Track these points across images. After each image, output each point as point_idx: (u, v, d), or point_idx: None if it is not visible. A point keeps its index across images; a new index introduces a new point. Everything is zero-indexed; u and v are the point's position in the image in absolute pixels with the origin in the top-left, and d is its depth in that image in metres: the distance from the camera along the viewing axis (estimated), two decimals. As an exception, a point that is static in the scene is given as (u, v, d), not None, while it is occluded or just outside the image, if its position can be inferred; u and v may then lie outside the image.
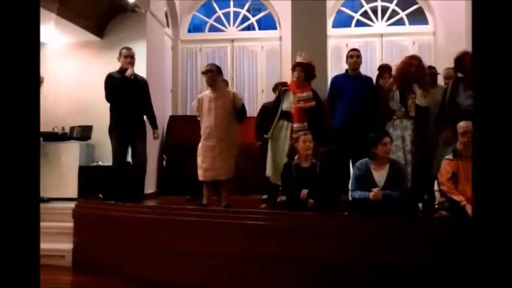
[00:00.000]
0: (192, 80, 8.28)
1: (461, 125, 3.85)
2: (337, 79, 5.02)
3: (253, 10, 8.55)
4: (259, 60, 8.15)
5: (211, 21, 8.45)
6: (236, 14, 8.38)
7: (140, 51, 5.58)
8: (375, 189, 3.64)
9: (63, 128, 6.56)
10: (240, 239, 3.70)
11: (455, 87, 4.34)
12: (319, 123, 4.55)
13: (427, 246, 3.25)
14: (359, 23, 8.08)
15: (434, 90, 4.71)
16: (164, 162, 7.19)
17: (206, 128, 4.57)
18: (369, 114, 4.64)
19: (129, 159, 5.11)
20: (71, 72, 6.79)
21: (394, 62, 4.71)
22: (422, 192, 4.50)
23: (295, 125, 4.56)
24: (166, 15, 7.76)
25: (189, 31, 8.60)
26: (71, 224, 4.82)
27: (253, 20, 8.39)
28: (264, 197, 5.00)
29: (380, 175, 3.80)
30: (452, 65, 4.61)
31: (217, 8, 8.40)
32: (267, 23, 8.47)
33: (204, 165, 4.53)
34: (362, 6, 8.06)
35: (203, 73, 4.75)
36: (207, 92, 4.69)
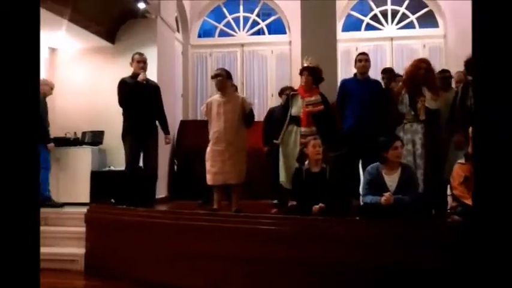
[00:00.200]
0: (202, 84, 8.33)
1: None
2: (346, 83, 5.01)
3: (263, 15, 8.58)
4: (269, 64, 8.17)
5: (221, 26, 8.49)
6: (246, 19, 8.41)
7: (151, 56, 5.63)
8: (387, 194, 3.62)
9: (75, 133, 6.62)
10: (250, 243, 3.70)
11: (466, 91, 4.31)
12: (328, 127, 4.55)
13: (439, 250, 3.22)
14: (369, 27, 8.07)
15: (448, 93, 4.69)
16: (175, 167, 7.22)
17: (215, 133, 4.58)
18: (378, 118, 4.64)
19: (141, 163, 5.14)
20: (83, 77, 6.85)
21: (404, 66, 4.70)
22: (434, 197, 4.46)
23: (303, 129, 4.57)
24: (176, 21, 7.81)
25: (199, 36, 8.65)
26: (83, 229, 4.85)
27: (263, 24, 8.42)
28: (275, 201, 5.00)
29: (391, 179, 3.78)
30: (463, 68, 4.59)
31: (227, 13, 8.44)
32: (277, 28, 8.50)
33: (213, 169, 4.53)
34: (372, 9, 8.05)
35: (212, 77, 4.77)
36: (216, 97, 4.71)
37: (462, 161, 3.82)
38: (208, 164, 4.57)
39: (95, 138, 6.51)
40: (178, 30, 7.98)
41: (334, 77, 5.63)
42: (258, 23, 8.43)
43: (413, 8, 7.90)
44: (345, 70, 7.38)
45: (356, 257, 3.39)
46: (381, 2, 8.01)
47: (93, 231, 4.79)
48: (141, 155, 5.06)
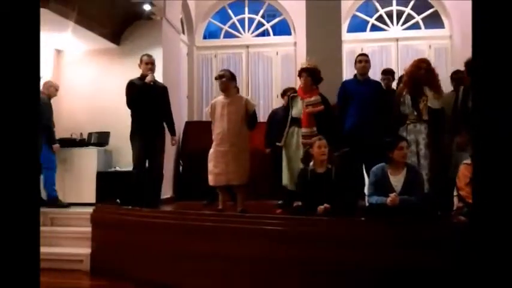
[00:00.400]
0: (207, 86, 8.35)
1: None
2: (346, 84, 5.01)
3: (268, 16, 8.59)
4: (274, 65, 8.18)
5: (226, 27, 8.51)
6: (251, 20, 8.42)
7: (156, 57, 5.64)
8: (392, 195, 3.61)
9: (81, 134, 6.66)
10: (256, 244, 3.70)
11: (467, 92, 4.32)
12: (329, 127, 4.56)
13: (445, 251, 3.21)
14: (374, 28, 8.05)
15: (450, 93, 4.68)
16: (180, 168, 7.23)
17: (218, 134, 4.59)
18: (379, 118, 4.65)
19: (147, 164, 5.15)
20: (89, 79, 6.88)
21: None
22: (440, 197, 4.45)
23: (304, 130, 4.59)
24: (181, 22, 7.83)
25: (205, 37, 8.66)
26: (89, 229, 4.88)
27: (268, 26, 8.43)
28: (280, 202, 5.00)
29: (397, 180, 3.77)
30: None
31: (232, 15, 8.45)
32: (282, 29, 8.50)
33: (216, 170, 4.54)
34: (377, 10, 8.04)
35: (216, 79, 4.79)
36: (220, 98, 4.72)
37: (468, 161, 3.80)
38: (211, 165, 4.57)
39: (101, 139, 6.54)
40: (183, 32, 8.00)
41: (339, 78, 5.62)
42: (263, 24, 8.44)
43: (418, 8, 7.87)
44: (350, 71, 7.33)
45: (362, 257, 3.39)
46: (386, 3, 7.99)
47: (99, 231, 4.81)
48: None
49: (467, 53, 4.94)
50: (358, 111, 4.72)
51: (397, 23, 7.94)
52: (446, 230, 3.40)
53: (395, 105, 4.42)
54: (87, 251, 4.78)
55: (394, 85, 5.65)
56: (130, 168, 5.34)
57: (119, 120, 6.18)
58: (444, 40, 7.74)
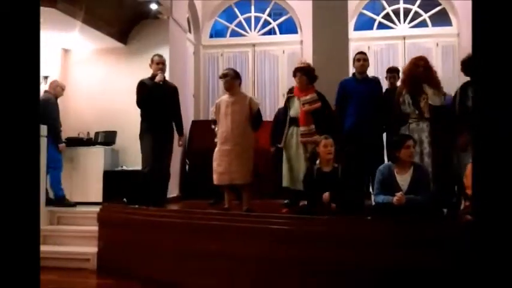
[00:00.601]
0: (213, 85, 8.35)
1: None
2: (344, 83, 4.99)
3: (274, 15, 8.58)
4: (281, 64, 8.16)
5: (232, 26, 8.51)
6: (257, 19, 8.41)
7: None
8: (399, 194, 3.59)
9: (88, 133, 6.69)
10: (261, 243, 3.70)
11: (464, 91, 4.28)
12: (328, 124, 4.55)
13: (452, 250, 3.19)
14: (381, 26, 8.02)
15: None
16: (187, 167, 7.25)
17: (222, 133, 4.59)
18: (378, 117, 4.63)
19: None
20: (96, 78, 6.91)
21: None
22: (444, 195, 4.43)
23: (302, 129, 4.60)
24: (188, 21, 7.84)
25: (211, 36, 8.67)
26: (95, 228, 4.90)
27: (274, 24, 8.42)
28: (286, 201, 4.99)
29: (403, 179, 3.75)
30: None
31: (238, 13, 8.45)
32: (288, 27, 8.49)
33: (219, 169, 4.54)
34: (384, 8, 7.99)
35: (220, 77, 4.79)
36: (225, 97, 4.71)
37: (476, 160, 3.77)
38: (215, 164, 4.57)
39: (108, 138, 6.57)
40: (190, 31, 8.01)
41: (345, 76, 5.58)
42: (270, 23, 8.43)
43: (426, 6, 7.82)
44: (357, 69, 7.34)
45: (368, 256, 3.37)
46: (393, 1, 7.95)
47: (106, 230, 4.83)
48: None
49: (475, 51, 4.93)
50: (357, 110, 4.71)
51: (404, 21, 7.90)
52: (451, 230, 3.37)
53: (396, 105, 4.40)
54: (93, 250, 4.80)
55: (399, 83, 5.62)
56: (137, 167, 5.36)
57: (126, 119, 6.21)
58: (452, 38, 7.68)
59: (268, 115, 7.46)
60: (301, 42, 7.97)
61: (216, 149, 4.62)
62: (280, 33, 8.48)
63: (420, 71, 4.32)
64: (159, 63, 5.10)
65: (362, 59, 4.92)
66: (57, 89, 5.99)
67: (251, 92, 8.00)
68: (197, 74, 8.34)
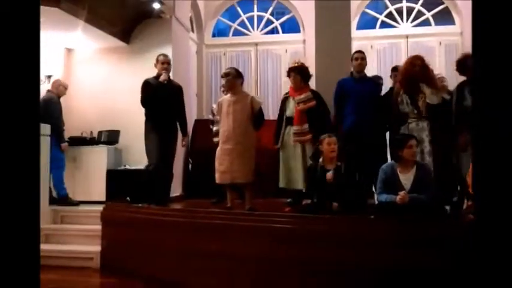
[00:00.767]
0: (216, 84, 8.34)
1: None
2: (342, 82, 4.98)
3: (277, 14, 8.56)
4: (283, 63, 8.14)
5: (235, 25, 8.51)
6: (260, 18, 8.41)
7: (166, 56, 5.67)
8: (402, 193, 3.59)
9: (91, 132, 6.71)
10: (264, 242, 3.69)
11: (461, 91, 4.28)
12: (322, 122, 4.56)
13: (453, 250, 3.18)
14: (384, 25, 8.00)
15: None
16: (190, 166, 7.25)
17: (224, 132, 4.58)
18: (376, 116, 4.64)
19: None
20: (99, 77, 6.93)
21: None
22: (446, 193, 4.42)
23: (295, 128, 4.63)
24: (191, 20, 7.85)
25: (214, 35, 8.67)
26: (99, 227, 4.91)
27: (277, 23, 8.42)
28: (288, 200, 4.99)
29: (406, 178, 3.75)
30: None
31: (241, 12, 8.45)
32: (291, 26, 8.48)
33: (221, 168, 4.54)
34: (387, 7, 7.98)
35: (222, 76, 4.80)
36: (227, 96, 4.72)
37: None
38: (217, 163, 4.57)
39: (111, 137, 6.58)
40: (192, 30, 8.02)
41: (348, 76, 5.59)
42: (272, 22, 8.42)
43: (429, 5, 7.80)
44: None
45: (371, 255, 3.36)
46: (396, 0, 7.94)
47: (109, 229, 4.84)
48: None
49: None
50: (355, 110, 4.72)
51: (407, 19, 7.88)
52: (453, 229, 3.36)
53: (394, 105, 4.40)
54: (97, 248, 4.81)
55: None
56: (140, 166, 5.36)
57: (129, 118, 6.23)
58: (455, 37, 7.67)
59: (270, 114, 7.47)
60: (304, 41, 7.97)
61: (218, 148, 4.62)
62: (283, 32, 8.47)
63: (417, 70, 4.31)
64: (164, 63, 5.10)
65: (360, 57, 4.92)
66: (60, 88, 6.01)
67: (254, 91, 8.01)
68: (200, 73, 8.35)
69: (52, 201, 5.64)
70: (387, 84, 5.87)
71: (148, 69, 5.26)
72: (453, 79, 4.68)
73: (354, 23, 7.70)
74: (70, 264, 4.74)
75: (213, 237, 3.93)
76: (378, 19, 8.02)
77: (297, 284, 3.57)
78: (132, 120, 5.78)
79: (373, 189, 4.43)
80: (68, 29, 6.10)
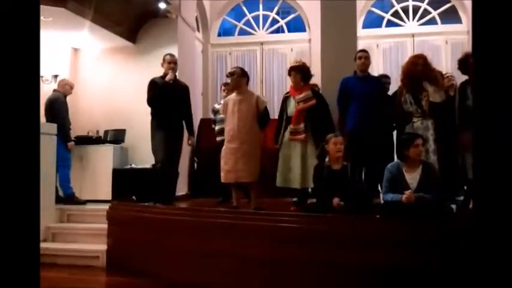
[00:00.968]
0: (222, 83, 8.35)
1: None
2: (346, 81, 4.97)
3: (283, 13, 8.56)
4: (289, 62, 8.11)
5: (240, 24, 8.51)
6: (265, 17, 8.41)
7: (172, 55, 5.69)
8: (408, 192, 3.57)
9: (97, 131, 6.74)
10: (270, 241, 3.69)
11: (463, 91, 4.26)
12: (323, 121, 4.55)
13: (455, 250, 3.16)
14: (390, 23, 7.97)
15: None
16: (195, 165, 7.27)
17: (229, 131, 4.59)
18: (380, 115, 4.62)
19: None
20: (105, 76, 6.96)
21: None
22: (453, 192, 4.41)
23: (292, 127, 4.61)
24: (196, 20, 7.86)
25: (219, 35, 8.68)
26: (105, 226, 4.93)
27: (282, 22, 8.41)
28: (294, 199, 4.99)
29: (412, 177, 3.73)
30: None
31: (246, 12, 8.45)
32: (297, 25, 8.48)
33: (226, 167, 4.55)
34: (393, 6, 7.95)
35: (228, 76, 4.81)
36: (233, 95, 4.72)
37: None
38: (222, 162, 4.58)
39: (117, 136, 6.61)
40: (198, 30, 8.03)
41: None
42: (278, 21, 8.42)
43: (435, 3, 7.77)
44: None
45: (377, 255, 3.35)
46: (402, -2, 7.92)
47: (115, 228, 4.86)
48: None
49: (485, 49, 4.89)
50: (359, 109, 4.70)
51: (413, 18, 7.85)
52: (454, 229, 3.35)
53: (398, 105, 4.38)
54: (103, 247, 4.83)
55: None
56: (146, 165, 5.38)
57: (135, 117, 6.26)
58: (461, 35, 7.62)
59: (276, 113, 7.43)
60: (310, 40, 7.96)
61: (224, 147, 4.63)
62: (289, 31, 8.46)
63: (419, 69, 4.29)
64: (171, 63, 5.12)
65: (363, 56, 4.90)
66: (66, 88, 6.04)
67: (259, 90, 8.01)
68: (205, 73, 8.36)
69: (58, 200, 5.67)
70: (395, 84, 5.84)
71: (154, 69, 5.28)
72: (461, 78, 4.66)
73: (360, 22, 7.68)
74: (76, 262, 4.76)
75: (219, 237, 3.93)
76: (383, 18, 7.99)
77: (303, 283, 3.57)
78: (138, 119, 5.81)
79: (379, 188, 4.42)
80: (74, 29, 6.13)
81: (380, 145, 4.63)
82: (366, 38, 7.71)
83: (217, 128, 5.80)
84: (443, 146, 4.21)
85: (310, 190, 4.72)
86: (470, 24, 7.44)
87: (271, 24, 8.40)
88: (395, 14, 7.92)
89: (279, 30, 8.50)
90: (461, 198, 4.53)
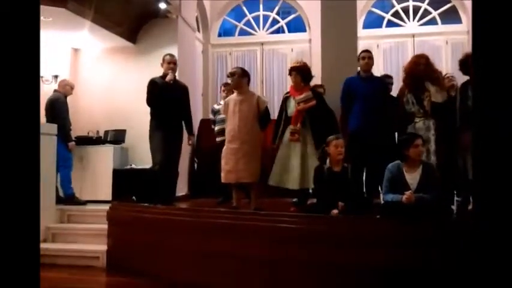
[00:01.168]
0: (222, 83, 8.35)
1: None
2: (349, 81, 4.96)
3: (283, 13, 8.57)
4: (289, 62, 8.12)
5: (241, 25, 8.51)
6: (266, 18, 8.41)
7: (172, 56, 5.70)
8: (408, 192, 3.57)
9: (97, 132, 6.74)
10: (270, 242, 3.69)
11: (465, 91, 4.26)
12: (323, 122, 4.55)
13: (455, 250, 3.16)
14: (390, 24, 7.98)
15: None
16: (195, 165, 7.27)
17: (230, 131, 4.59)
18: (383, 116, 4.62)
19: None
20: (105, 77, 6.96)
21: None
22: (453, 192, 4.41)
23: (291, 127, 4.60)
24: (196, 20, 7.86)
25: (219, 35, 8.69)
26: (105, 226, 4.92)
27: (282, 23, 8.42)
28: (294, 200, 4.98)
29: (412, 178, 3.73)
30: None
31: (247, 12, 8.46)
32: (297, 26, 8.48)
33: (226, 167, 4.54)
34: (393, 6, 7.96)
35: (228, 76, 4.81)
36: (233, 96, 4.73)
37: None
38: (223, 162, 4.58)
39: (117, 136, 6.61)
40: (198, 30, 8.03)
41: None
42: (278, 22, 8.43)
43: (435, 3, 7.77)
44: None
45: (377, 255, 3.35)
46: (402, -2, 7.92)
47: (115, 228, 4.86)
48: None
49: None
50: (362, 109, 4.70)
51: (414, 18, 7.85)
52: (453, 229, 3.35)
53: (400, 105, 4.38)
54: (103, 247, 4.83)
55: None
56: (146, 165, 5.38)
57: (135, 118, 6.26)
58: (461, 35, 7.62)
59: (276, 114, 7.43)
60: (310, 40, 7.96)
61: (224, 147, 4.63)
62: (289, 31, 8.47)
63: (421, 69, 4.30)
64: (171, 63, 5.12)
65: (367, 57, 4.90)
66: (67, 88, 6.04)
67: (259, 90, 8.01)
68: (206, 73, 8.36)
69: (59, 200, 5.67)
70: (397, 84, 5.84)
71: (154, 69, 5.28)
72: (461, 78, 4.66)
73: (360, 22, 7.68)
74: (76, 263, 4.76)
75: (219, 237, 3.93)
76: (384, 18, 7.99)
77: (303, 284, 3.57)
78: (138, 119, 5.80)
79: (379, 189, 4.41)
80: (74, 29, 6.13)
81: (383, 146, 4.63)
82: (366, 38, 7.71)
83: (217, 128, 5.80)
84: (444, 146, 4.20)
85: (310, 191, 4.72)
86: (470, 24, 7.43)
87: (272, 25, 8.41)
88: (396, 14, 7.93)
89: (279, 31, 8.51)
90: (461, 198, 4.53)
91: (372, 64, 4.96)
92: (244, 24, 8.50)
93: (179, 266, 4.14)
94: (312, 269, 3.53)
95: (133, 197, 5.36)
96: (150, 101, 5.02)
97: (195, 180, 7.11)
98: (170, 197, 5.07)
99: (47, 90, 6.30)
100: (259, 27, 8.42)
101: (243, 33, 8.53)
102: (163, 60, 5.15)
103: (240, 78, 4.62)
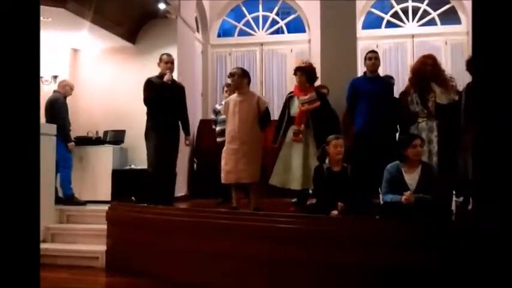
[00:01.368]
0: (221, 84, 8.32)
1: None
2: (355, 82, 4.97)
3: (282, 14, 8.57)
4: (289, 63, 8.14)
5: (240, 25, 8.51)
6: (265, 18, 8.41)
7: (171, 56, 5.70)
8: (407, 193, 3.58)
9: (97, 132, 6.73)
10: (269, 242, 3.69)
11: (471, 90, 4.25)
12: (327, 123, 4.54)
13: (455, 250, 3.16)
14: (389, 24, 7.98)
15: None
16: (195, 166, 7.27)
17: (230, 132, 4.59)
18: (389, 116, 4.62)
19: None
20: (105, 77, 6.96)
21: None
22: (451, 194, 4.41)
23: (294, 127, 4.60)
24: (196, 21, 7.86)
25: (219, 36, 8.68)
26: (104, 226, 4.92)
27: (282, 23, 8.42)
28: (294, 200, 4.99)
29: (412, 178, 3.74)
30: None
31: (246, 13, 8.46)
32: (296, 26, 8.48)
33: (226, 167, 4.55)
34: (392, 7, 7.97)
35: (228, 77, 4.82)
36: (234, 96, 4.73)
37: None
38: (223, 162, 4.59)
39: (117, 137, 6.61)
40: (198, 30, 8.03)
41: (354, 75, 5.56)
42: (277, 22, 8.43)
43: (434, 4, 7.78)
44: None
45: (377, 256, 3.35)
46: (402, -1, 7.93)
47: (114, 228, 4.85)
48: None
49: (485, 49, 4.89)
50: (368, 110, 4.69)
51: (413, 19, 7.86)
52: (453, 229, 3.35)
53: (404, 105, 4.38)
54: (102, 248, 4.82)
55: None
56: (145, 166, 5.36)
57: (135, 118, 6.24)
58: (461, 36, 7.63)
59: (276, 114, 7.44)
60: (309, 41, 7.96)
61: (224, 147, 4.63)
62: (288, 32, 8.47)
63: (428, 70, 4.30)
64: (168, 62, 5.11)
65: (373, 57, 4.89)
66: (66, 88, 6.04)
67: (259, 91, 8.01)
68: (205, 73, 8.36)
69: (58, 200, 5.66)
70: (396, 84, 5.85)
71: (154, 69, 5.27)
72: (460, 79, 4.67)
73: (360, 23, 7.69)
74: (76, 263, 4.76)
75: (218, 237, 3.93)
76: (383, 19, 8.00)
77: (302, 284, 3.57)
78: (138, 120, 5.78)
79: (379, 189, 4.42)
80: (74, 30, 6.13)
81: (388, 145, 4.63)
82: (365, 38, 7.72)
83: (218, 128, 5.80)
84: (445, 146, 4.20)
85: (310, 191, 4.72)
86: (469, 25, 7.45)
87: (271, 25, 8.40)
88: (395, 15, 7.94)
89: (279, 31, 8.51)
90: (461, 198, 4.54)
91: (379, 65, 4.95)
92: (243, 25, 8.50)
93: (179, 266, 4.14)
94: (311, 269, 3.53)
95: (133, 198, 5.35)
96: (147, 101, 5.01)
97: (195, 180, 7.10)
98: (169, 197, 5.07)
99: (46, 90, 6.30)
100: (258, 28, 8.42)
101: (242, 33, 8.53)
102: (161, 59, 5.14)
103: (240, 79, 4.62)
